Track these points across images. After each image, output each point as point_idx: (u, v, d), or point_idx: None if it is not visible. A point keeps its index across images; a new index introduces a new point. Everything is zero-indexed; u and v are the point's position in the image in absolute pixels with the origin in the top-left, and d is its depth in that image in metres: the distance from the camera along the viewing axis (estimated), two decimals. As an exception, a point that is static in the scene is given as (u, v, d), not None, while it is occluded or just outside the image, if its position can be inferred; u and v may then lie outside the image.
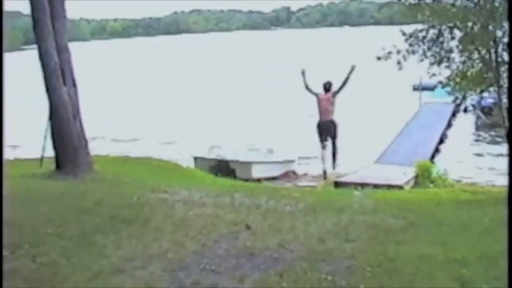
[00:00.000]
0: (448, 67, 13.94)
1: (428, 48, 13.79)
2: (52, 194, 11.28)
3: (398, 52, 13.67)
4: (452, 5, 13.61)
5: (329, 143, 18.42)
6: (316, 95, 18.41)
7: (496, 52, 13.18)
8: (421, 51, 13.85)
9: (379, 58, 13.85)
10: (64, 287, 7.30)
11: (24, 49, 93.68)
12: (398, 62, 13.73)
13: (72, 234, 8.97)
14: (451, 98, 15.59)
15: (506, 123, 13.26)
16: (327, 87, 18.50)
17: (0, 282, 7.01)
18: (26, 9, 14.28)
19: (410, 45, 13.80)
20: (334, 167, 18.70)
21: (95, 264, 7.81)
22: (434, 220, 10.15)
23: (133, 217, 9.78)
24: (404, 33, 13.84)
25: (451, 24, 13.56)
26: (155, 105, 41.97)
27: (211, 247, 8.46)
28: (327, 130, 18.33)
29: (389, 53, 13.73)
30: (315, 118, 17.67)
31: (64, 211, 10.10)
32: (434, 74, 14.09)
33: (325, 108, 18.27)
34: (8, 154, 18.47)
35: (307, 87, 18.30)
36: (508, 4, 11.75)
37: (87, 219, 9.69)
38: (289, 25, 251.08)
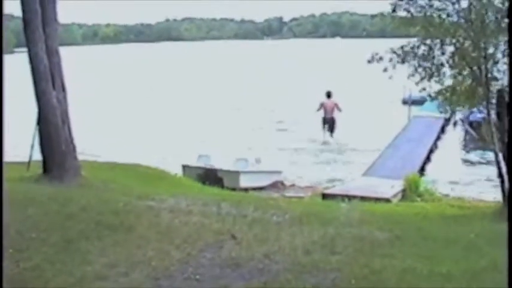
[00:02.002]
0: (438, 82, 13.97)
1: (419, 65, 13.81)
2: (38, 199, 11.22)
3: (390, 60, 13.71)
4: (444, 19, 13.66)
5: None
6: (321, 104, 31.15)
7: (486, 68, 13.22)
8: (412, 67, 13.88)
9: (369, 61, 13.90)
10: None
11: (15, 52, 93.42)
12: (385, 70, 13.77)
13: (57, 239, 8.93)
14: (440, 113, 15.65)
15: (495, 139, 13.30)
16: (329, 94, 31.56)
17: (0, 282, 6.98)
18: (18, 11, 14.23)
19: (403, 61, 13.83)
20: (332, 136, 30.57)
21: (78, 270, 7.78)
22: (420, 234, 10.16)
23: (119, 224, 9.75)
24: (394, 52, 13.84)
25: (442, 39, 13.60)
26: (141, 113, 41.83)
27: (196, 256, 8.44)
28: (328, 123, 30.72)
29: (381, 58, 13.77)
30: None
31: (49, 216, 10.06)
32: (424, 89, 14.11)
33: (329, 109, 30.79)
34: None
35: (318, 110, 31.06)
36: (508, 4, 11.77)
37: (72, 224, 9.65)
38: (281, 35, 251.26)
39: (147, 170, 19.16)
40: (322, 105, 31.27)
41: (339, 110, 31.04)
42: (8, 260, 7.96)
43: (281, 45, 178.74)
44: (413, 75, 13.96)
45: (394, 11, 13.86)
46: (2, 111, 9.93)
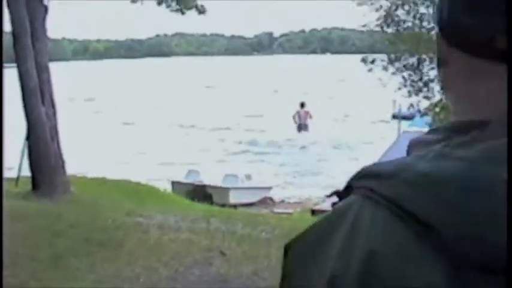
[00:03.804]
0: (427, 97, 14.05)
1: (409, 76, 13.91)
2: (26, 215, 11.17)
3: (384, 68, 13.86)
4: (433, 36, 13.76)
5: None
6: (297, 112, 37.44)
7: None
8: (401, 79, 13.98)
9: (363, 60, 14.06)
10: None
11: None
12: (370, 70, 13.91)
13: (45, 256, 8.88)
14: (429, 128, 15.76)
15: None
16: (303, 104, 37.73)
17: (0, 282, 6.93)
18: (7, 26, 14.21)
19: (393, 73, 13.95)
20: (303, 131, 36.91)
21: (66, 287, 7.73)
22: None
23: (107, 240, 9.71)
24: (390, 60, 13.97)
25: (431, 54, 13.70)
26: (131, 128, 41.83)
27: (184, 273, 8.40)
28: (302, 127, 36.69)
29: (373, 61, 13.91)
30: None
31: (38, 232, 10.01)
32: (412, 105, 14.21)
33: (302, 117, 37.01)
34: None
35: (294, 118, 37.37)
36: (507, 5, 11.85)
37: (61, 241, 9.61)
38: (271, 51, 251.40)
39: (136, 186, 19.12)
40: (297, 113, 37.75)
41: (310, 117, 37.33)
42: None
43: (271, 60, 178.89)
44: (400, 88, 14.06)
45: (382, 28, 13.99)
46: (2, 116, 9.86)
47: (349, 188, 1.12)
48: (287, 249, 1.14)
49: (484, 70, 1.11)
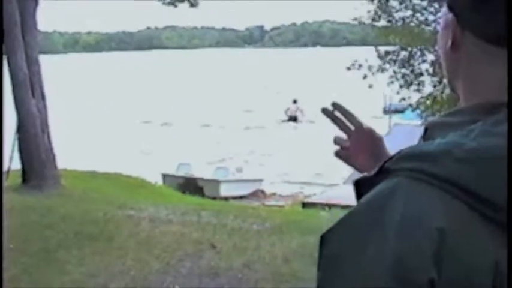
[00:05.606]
0: (418, 90, 14.04)
1: (399, 71, 13.88)
2: (17, 208, 11.13)
3: (369, 68, 13.80)
4: (424, 29, 13.75)
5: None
6: (288, 108, 43.01)
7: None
8: (391, 72, 13.95)
9: (348, 68, 14.01)
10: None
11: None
12: (365, 76, 13.87)
13: (35, 249, 8.86)
14: (421, 120, 15.74)
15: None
16: (295, 101, 43.74)
17: (0, 282, 6.91)
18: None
19: (384, 63, 13.92)
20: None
21: (56, 281, 7.72)
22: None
23: (98, 234, 9.70)
24: (379, 53, 13.94)
25: (422, 47, 13.69)
26: (120, 121, 41.75)
27: (176, 266, 8.40)
28: (293, 119, 42.58)
29: (360, 65, 13.87)
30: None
31: (28, 226, 9.99)
32: (404, 99, 14.19)
33: (292, 111, 43.12)
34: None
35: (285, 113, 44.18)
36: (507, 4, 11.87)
37: (51, 234, 9.59)
38: (262, 44, 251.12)
39: (127, 179, 19.08)
40: (288, 109, 44.14)
41: (301, 111, 43.41)
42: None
43: (262, 54, 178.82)
44: (392, 82, 14.04)
45: (374, 19, 13.96)
46: (2, 113, 9.82)
47: (384, 172, 1.15)
48: (326, 236, 1.16)
49: (497, 56, 1.16)
